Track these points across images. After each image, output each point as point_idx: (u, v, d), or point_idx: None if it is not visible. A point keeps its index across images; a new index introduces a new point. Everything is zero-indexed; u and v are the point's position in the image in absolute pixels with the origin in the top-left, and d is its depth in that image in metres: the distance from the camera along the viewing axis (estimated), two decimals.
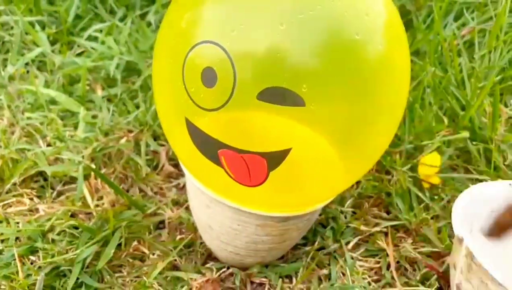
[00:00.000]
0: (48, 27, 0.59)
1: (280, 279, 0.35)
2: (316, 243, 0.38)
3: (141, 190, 0.42)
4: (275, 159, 0.27)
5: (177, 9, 0.29)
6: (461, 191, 0.34)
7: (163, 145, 0.45)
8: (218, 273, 0.35)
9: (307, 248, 0.38)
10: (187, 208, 0.40)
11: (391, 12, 0.28)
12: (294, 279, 0.36)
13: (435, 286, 0.35)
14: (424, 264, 0.37)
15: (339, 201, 0.41)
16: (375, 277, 0.36)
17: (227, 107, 0.26)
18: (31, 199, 0.40)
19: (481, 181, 0.41)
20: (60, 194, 0.41)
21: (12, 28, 0.57)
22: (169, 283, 0.34)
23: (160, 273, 0.35)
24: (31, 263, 0.35)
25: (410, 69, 0.30)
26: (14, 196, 0.40)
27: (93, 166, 0.42)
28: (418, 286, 0.35)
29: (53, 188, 0.41)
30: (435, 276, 0.36)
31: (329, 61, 0.25)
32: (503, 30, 0.52)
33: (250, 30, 0.25)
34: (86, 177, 0.41)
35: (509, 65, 0.52)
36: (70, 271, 0.34)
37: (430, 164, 0.42)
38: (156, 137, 0.46)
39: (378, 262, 0.37)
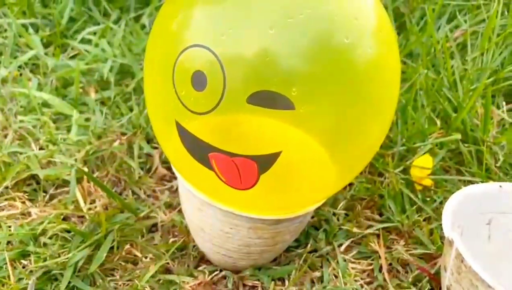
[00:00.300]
0: (42, 30, 0.59)
1: (273, 282, 0.35)
2: (309, 245, 0.38)
3: (134, 193, 0.42)
4: (265, 162, 0.27)
5: (168, 12, 0.29)
6: (453, 193, 0.34)
7: (156, 148, 0.45)
8: (210, 276, 0.35)
9: (300, 251, 0.38)
10: (180, 211, 0.40)
11: (381, 16, 0.28)
12: (286, 282, 0.36)
13: (427, 288, 0.35)
14: (416, 266, 0.37)
15: (332, 203, 0.41)
16: (368, 279, 0.36)
17: (217, 110, 0.26)
18: (23, 202, 0.40)
19: (473, 182, 0.41)
20: (52, 197, 0.41)
21: (5, 30, 0.57)
22: (161, 286, 0.34)
23: (152, 276, 0.35)
24: (23, 267, 0.35)
25: (400, 72, 0.30)
26: (6, 199, 0.40)
27: (86, 169, 0.42)
28: (410, 288, 0.35)
29: (45, 192, 0.41)
30: (427, 278, 0.36)
31: (319, 65, 0.25)
32: (495, 32, 0.52)
33: (240, 34, 0.25)
34: (79, 181, 0.41)
35: (501, 67, 0.52)
36: (62, 275, 0.34)
37: (422, 166, 0.42)
38: (149, 140, 0.46)
39: (371, 264, 0.37)
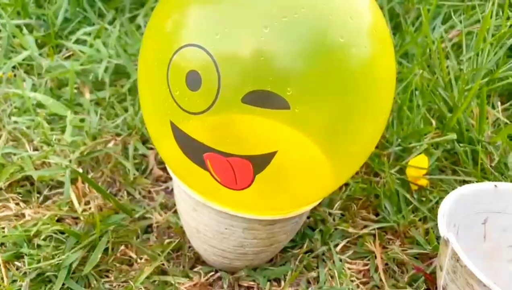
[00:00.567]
0: (36, 30, 0.58)
1: (269, 282, 0.35)
2: (305, 246, 0.38)
3: (129, 194, 0.42)
4: (260, 162, 0.27)
5: (162, 12, 0.29)
6: (448, 193, 0.34)
7: (151, 149, 0.45)
8: (206, 277, 0.35)
9: (296, 251, 0.38)
10: (176, 212, 0.40)
11: (376, 15, 0.28)
12: (282, 282, 0.35)
13: (423, 288, 0.35)
14: (412, 266, 0.37)
15: (328, 203, 0.41)
16: (364, 280, 0.36)
17: (212, 110, 0.26)
18: (17, 204, 0.39)
19: (468, 182, 0.41)
20: (46, 198, 0.40)
21: None
22: (156, 288, 0.34)
23: (147, 277, 0.34)
24: (17, 269, 0.34)
25: (395, 71, 0.30)
26: (0, 201, 0.39)
27: (81, 170, 0.42)
28: (406, 288, 0.35)
29: (39, 193, 0.41)
30: (423, 278, 0.36)
31: (314, 64, 0.25)
32: (490, 33, 0.52)
33: (234, 33, 0.25)
34: (73, 182, 0.41)
35: (496, 67, 0.52)
36: (56, 276, 0.34)
37: (418, 166, 0.42)
38: (144, 141, 0.46)
39: (367, 265, 0.37)
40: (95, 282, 0.34)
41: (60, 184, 0.41)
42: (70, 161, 0.42)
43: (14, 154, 0.43)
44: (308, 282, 0.36)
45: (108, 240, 0.36)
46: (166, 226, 0.39)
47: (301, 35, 0.25)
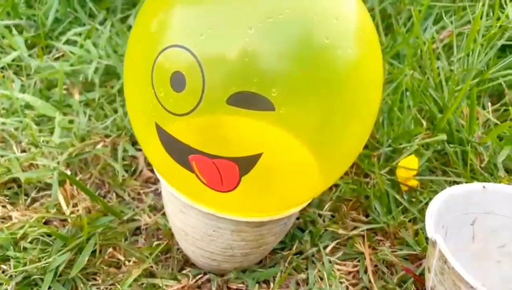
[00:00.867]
0: (26, 31, 0.58)
1: (258, 284, 0.35)
2: (294, 247, 0.38)
3: (118, 196, 0.41)
4: (246, 164, 0.27)
5: (147, 13, 0.28)
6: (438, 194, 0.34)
7: (141, 150, 0.45)
8: (194, 280, 0.35)
9: (285, 253, 0.37)
10: (164, 214, 0.39)
11: (363, 17, 0.28)
12: (271, 284, 0.35)
13: (412, 289, 0.35)
14: (401, 267, 0.37)
15: (318, 204, 0.41)
16: (353, 281, 0.36)
17: (196, 112, 0.25)
18: (4, 206, 0.39)
19: (458, 183, 0.41)
20: (34, 201, 0.40)
21: None
22: None
23: (135, 280, 0.34)
24: (2, 272, 0.34)
25: (382, 73, 0.30)
26: None
27: (69, 172, 0.42)
28: (395, 289, 0.35)
29: (27, 195, 0.40)
30: (412, 279, 0.36)
31: (299, 65, 0.25)
32: (481, 33, 0.52)
33: (219, 34, 0.25)
34: (61, 183, 0.40)
35: (487, 68, 0.52)
36: (42, 280, 0.33)
37: (408, 167, 0.42)
38: (134, 142, 0.45)
39: (356, 266, 0.37)
40: (82, 285, 0.34)
41: (48, 186, 0.41)
42: (58, 163, 0.42)
43: (2, 156, 0.42)
44: (298, 284, 0.36)
45: (96, 242, 0.36)
46: (155, 228, 0.39)
47: (286, 36, 0.25)
